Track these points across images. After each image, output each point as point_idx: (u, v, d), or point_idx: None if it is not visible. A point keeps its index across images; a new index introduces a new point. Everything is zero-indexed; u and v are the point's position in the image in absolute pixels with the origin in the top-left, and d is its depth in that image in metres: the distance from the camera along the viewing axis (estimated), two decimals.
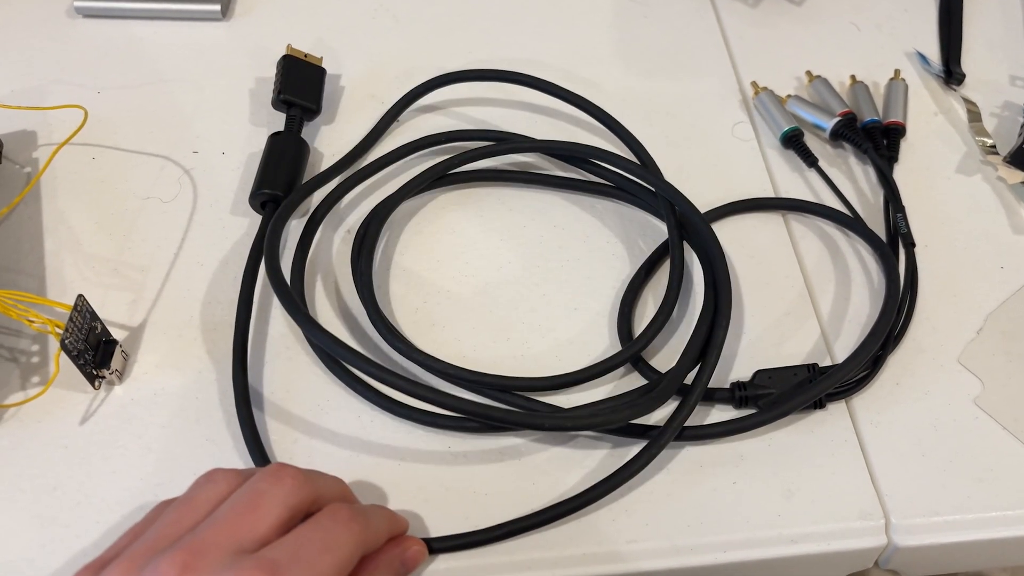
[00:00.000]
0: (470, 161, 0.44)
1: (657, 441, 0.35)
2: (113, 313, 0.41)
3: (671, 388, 0.37)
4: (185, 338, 0.40)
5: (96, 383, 0.38)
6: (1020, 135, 0.47)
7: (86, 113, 0.44)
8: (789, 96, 0.48)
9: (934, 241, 0.44)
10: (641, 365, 0.39)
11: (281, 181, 0.43)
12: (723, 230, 0.44)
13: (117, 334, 0.40)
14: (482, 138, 0.46)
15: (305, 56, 0.47)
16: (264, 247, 0.39)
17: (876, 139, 0.47)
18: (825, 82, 0.49)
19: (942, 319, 0.41)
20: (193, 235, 0.44)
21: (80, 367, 0.36)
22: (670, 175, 0.46)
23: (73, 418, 0.37)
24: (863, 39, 0.53)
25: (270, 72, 0.49)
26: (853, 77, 0.50)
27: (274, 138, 0.45)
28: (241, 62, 0.51)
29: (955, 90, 0.50)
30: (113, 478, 0.36)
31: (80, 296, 0.36)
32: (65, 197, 0.45)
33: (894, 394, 0.39)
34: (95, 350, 0.37)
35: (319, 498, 0.30)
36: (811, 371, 0.38)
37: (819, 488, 0.36)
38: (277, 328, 0.40)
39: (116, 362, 0.38)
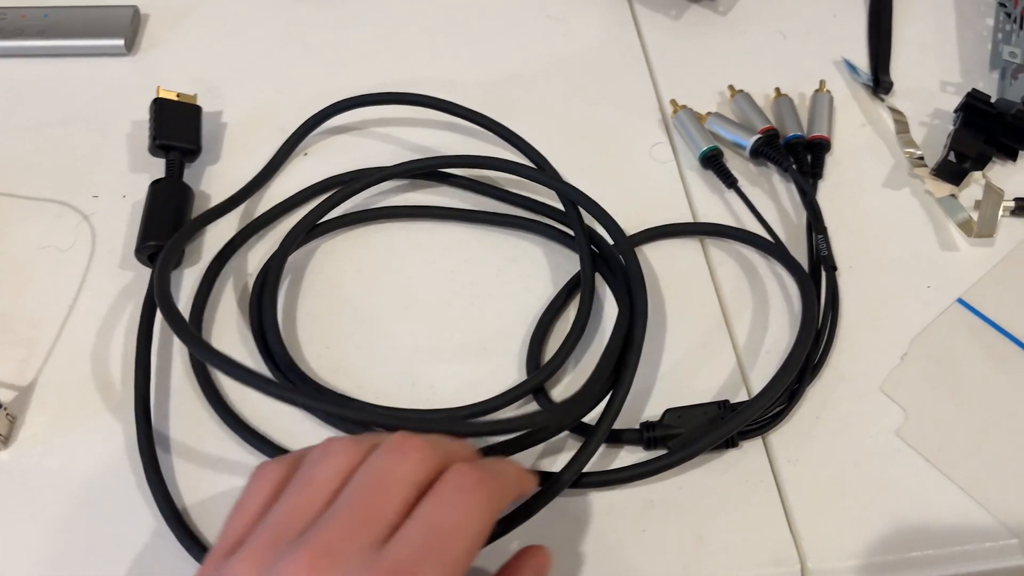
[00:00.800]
0: (332, 207, 0.43)
1: (553, 485, 0.34)
2: (1, 373, 0.39)
3: (562, 420, 0.35)
4: (78, 397, 0.38)
5: None
6: (946, 145, 0.45)
7: None
8: (709, 113, 0.47)
9: (859, 261, 0.42)
10: (542, 398, 0.37)
11: (166, 231, 0.41)
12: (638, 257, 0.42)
13: (4, 395, 0.38)
14: (355, 177, 0.45)
15: (178, 96, 0.45)
16: (155, 288, 0.37)
17: (799, 155, 0.45)
18: (747, 97, 0.47)
19: (865, 346, 0.40)
20: (90, 285, 0.42)
21: None
22: None
23: None
24: (790, 48, 0.52)
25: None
26: (778, 90, 0.48)
27: (155, 186, 0.43)
28: (147, 98, 0.49)
29: (883, 99, 0.49)
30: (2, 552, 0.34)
31: None
32: None
33: (813, 428, 0.37)
34: None
35: (446, 466, 0.28)
36: (722, 408, 0.37)
37: (732, 533, 0.35)
38: (176, 379, 0.39)
39: (0, 426, 0.37)
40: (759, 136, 0.45)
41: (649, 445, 0.36)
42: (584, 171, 0.45)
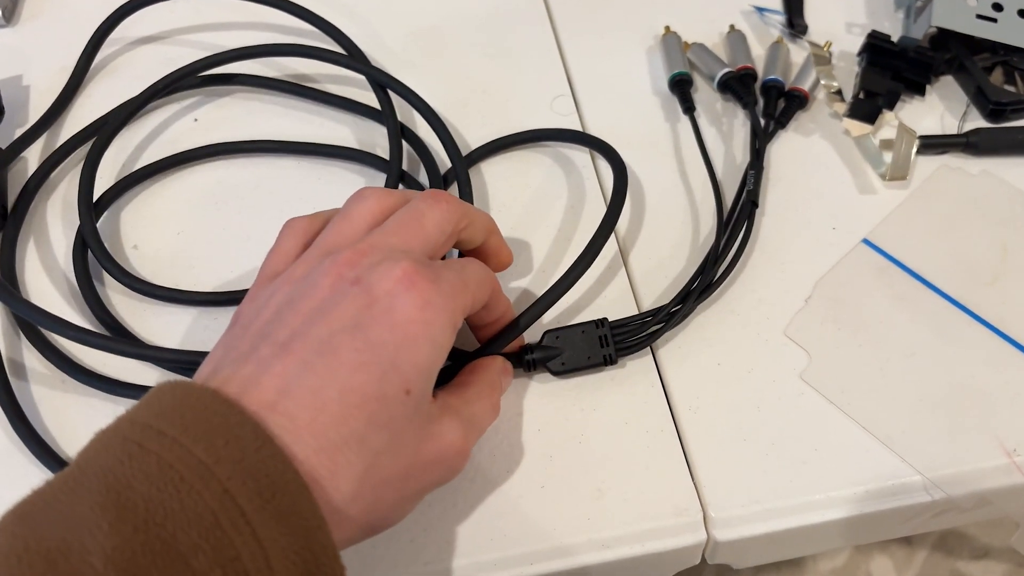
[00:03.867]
0: (120, 129, 0.42)
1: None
2: None
3: None
4: None
5: None
6: (855, 84, 0.44)
7: None
8: (693, 43, 0.46)
9: (772, 207, 0.41)
10: None
11: None
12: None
13: None
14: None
15: None
16: None
17: (771, 100, 0.44)
18: (741, 36, 0.46)
19: (770, 289, 0.39)
20: None
21: None
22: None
23: None
24: None
25: (60, 79, 0.45)
26: (781, 38, 0.47)
27: None
28: (26, 70, 0.47)
29: (801, 40, 0.48)
30: None
31: None
32: None
33: (715, 375, 0.36)
34: None
35: (469, 226, 0.32)
36: (600, 326, 0.36)
37: (632, 485, 0.34)
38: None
39: None
40: (731, 71, 0.44)
41: (529, 368, 0.35)
42: (484, 125, 0.44)
